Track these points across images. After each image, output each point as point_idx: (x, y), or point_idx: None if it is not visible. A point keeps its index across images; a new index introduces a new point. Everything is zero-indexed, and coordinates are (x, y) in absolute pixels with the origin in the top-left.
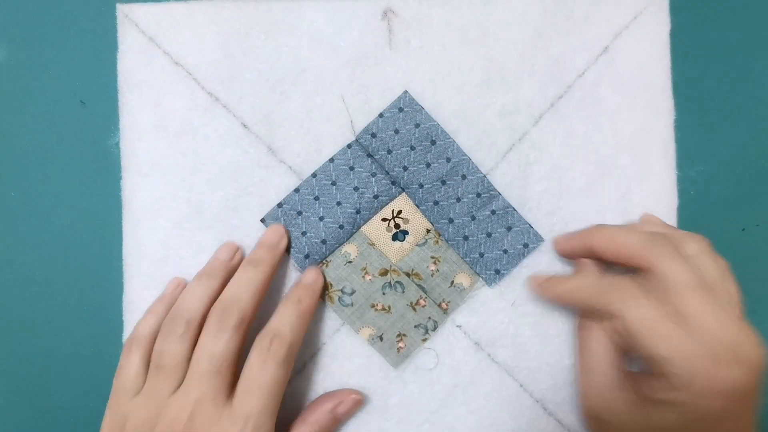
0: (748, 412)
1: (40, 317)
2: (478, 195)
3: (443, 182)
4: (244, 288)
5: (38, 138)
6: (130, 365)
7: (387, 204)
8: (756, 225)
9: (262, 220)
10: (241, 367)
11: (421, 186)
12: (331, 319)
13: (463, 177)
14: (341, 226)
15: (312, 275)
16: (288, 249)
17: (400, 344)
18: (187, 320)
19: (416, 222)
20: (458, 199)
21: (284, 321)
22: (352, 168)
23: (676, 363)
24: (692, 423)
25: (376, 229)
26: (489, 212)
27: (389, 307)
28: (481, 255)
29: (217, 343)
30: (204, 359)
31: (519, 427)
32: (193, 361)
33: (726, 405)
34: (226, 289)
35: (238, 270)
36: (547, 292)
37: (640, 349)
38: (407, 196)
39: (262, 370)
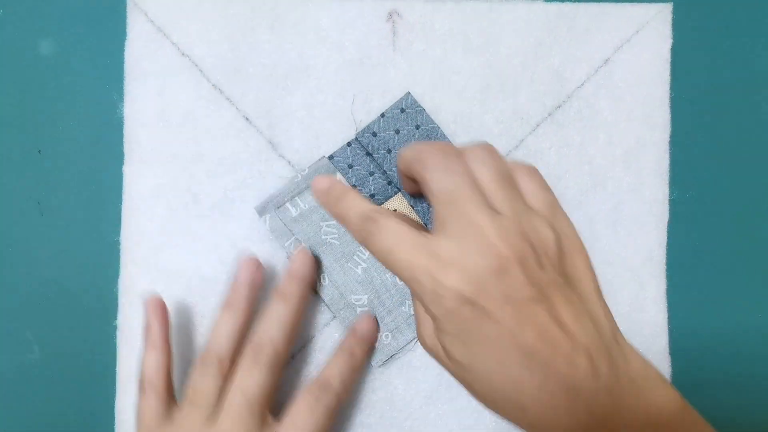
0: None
1: (35, 299)
2: None
3: None
4: (275, 325)
5: (40, 124)
6: (150, 407)
7: (383, 203)
8: (747, 242)
9: (256, 210)
10: (275, 405)
11: None
12: (321, 313)
13: None
14: None
15: (366, 326)
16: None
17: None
18: (219, 359)
19: None
20: None
21: (335, 372)
22: (350, 166)
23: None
24: (452, 330)
25: None
26: None
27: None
28: None
29: (251, 380)
30: (238, 396)
31: (501, 428)
32: (228, 398)
33: (460, 310)
34: (257, 326)
35: (269, 304)
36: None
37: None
38: (402, 196)
39: (310, 417)
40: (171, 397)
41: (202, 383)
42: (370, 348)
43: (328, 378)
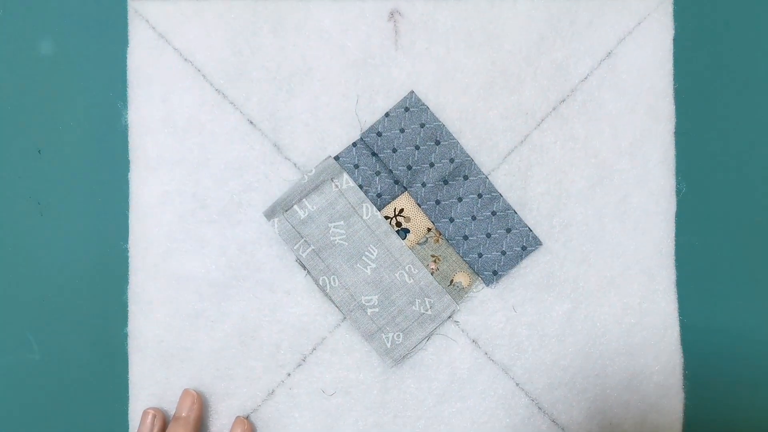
0: None
1: (46, 308)
2: (480, 196)
3: (445, 182)
4: None
5: (45, 131)
6: None
7: (390, 202)
8: (756, 231)
9: (264, 215)
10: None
11: (423, 185)
12: (332, 314)
13: (465, 177)
14: None
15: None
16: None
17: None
18: None
19: (417, 221)
20: (460, 199)
21: None
22: (356, 166)
23: None
24: None
25: None
26: (489, 213)
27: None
28: (480, 255)
29: None
30: None
31: (514, 425)
32: None
33: None
34: None
35: None
36: None
37: None
38: (409, 195)
39: None
40: None
41: None
42: None
43: None
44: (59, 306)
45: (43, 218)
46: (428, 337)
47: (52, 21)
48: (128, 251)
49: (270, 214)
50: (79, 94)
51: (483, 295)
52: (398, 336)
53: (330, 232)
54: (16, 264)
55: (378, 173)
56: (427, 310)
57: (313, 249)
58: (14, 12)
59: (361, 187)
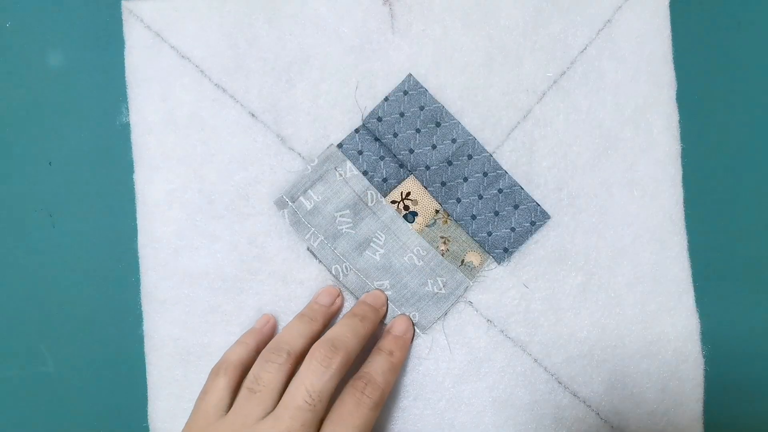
0: None
1: (59, 319)
2: (485, 174)
3: (449, 163)
4: (350, 333)
5: (47, 138)
6: (216, 388)
7: (396, 186)
8: (759, 191)
9: (275, 204)
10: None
11: (427, 168)
12: (347, 300)
13: (469, 157)
14: None
15: (402, 326)
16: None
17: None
18: (288, 352)
19: (425, 203)
20: (465, 179)
21: (377, 369)
22: (360, 152)
23: None
24: None
25: None
26: (496, 191)
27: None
28: (489, 234)
29: (319, 380)
30: (301, 394)
31: (535, 401)
32: (290, 393)
33: None
34: (333, 330)
35: (345, 318)
36: None
37: None
38: (415, 178)
39: (356, 409)
40: (237, 388)
41: (266, 372)
42: (407, 348)
43: (372, 374)
44: (73, 316)
45: (56, 230)
46: (444, 315)
47: (57, 25)
48: (138, 252)
49: (279, 205)
50: (83, 101)
51: (495, 273)
52: (414, 316)
53: (336, 221)
54: (29, 277)
55: (382, 158)
56: (440, 289)
57: (322, 239)
58: (19, 25)
59: (366, 173)
